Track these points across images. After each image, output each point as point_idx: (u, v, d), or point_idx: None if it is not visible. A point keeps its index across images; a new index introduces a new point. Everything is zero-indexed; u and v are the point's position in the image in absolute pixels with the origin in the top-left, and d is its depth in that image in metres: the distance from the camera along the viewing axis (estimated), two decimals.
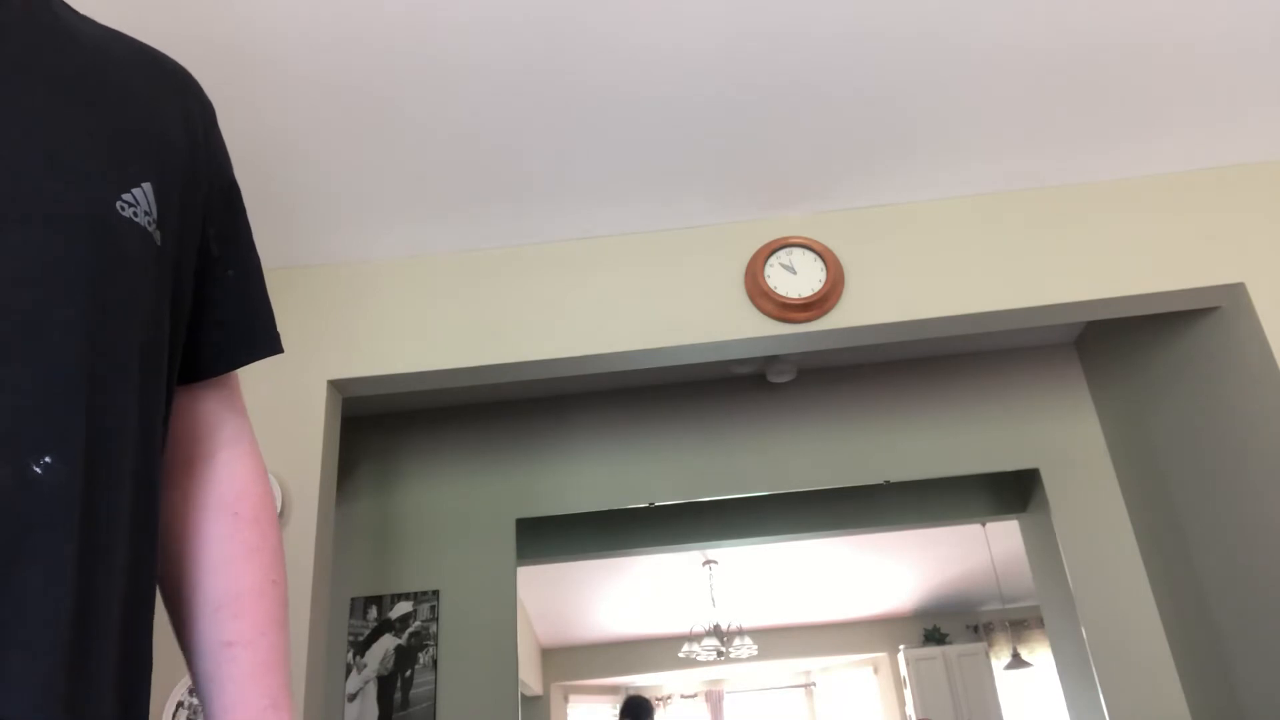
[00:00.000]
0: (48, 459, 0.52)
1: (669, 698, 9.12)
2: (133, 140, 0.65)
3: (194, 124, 0.73)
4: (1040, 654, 7.69)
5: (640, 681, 8.79)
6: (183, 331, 0.71)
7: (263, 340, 0.80)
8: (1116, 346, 3.19)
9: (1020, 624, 8.10)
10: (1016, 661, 6.76)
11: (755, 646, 7.37)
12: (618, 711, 5.12)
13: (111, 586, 0.56)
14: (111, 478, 0.57)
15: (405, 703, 3.19)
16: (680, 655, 7.63)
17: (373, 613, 3.34)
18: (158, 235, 0.64)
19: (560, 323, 2.46)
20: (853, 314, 2.41)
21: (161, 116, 0.69)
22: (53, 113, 0.61)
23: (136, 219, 0.62)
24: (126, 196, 0.62)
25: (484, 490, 3.52)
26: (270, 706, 0.67)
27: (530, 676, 7.54)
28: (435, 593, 3.34)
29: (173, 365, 0.69)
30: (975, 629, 8.22)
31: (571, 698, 8.57)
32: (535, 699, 8.10)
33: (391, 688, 3.22)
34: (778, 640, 8.46)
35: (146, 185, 0.64)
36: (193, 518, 0.73)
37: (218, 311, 0.76)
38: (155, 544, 0.63)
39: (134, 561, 0.59)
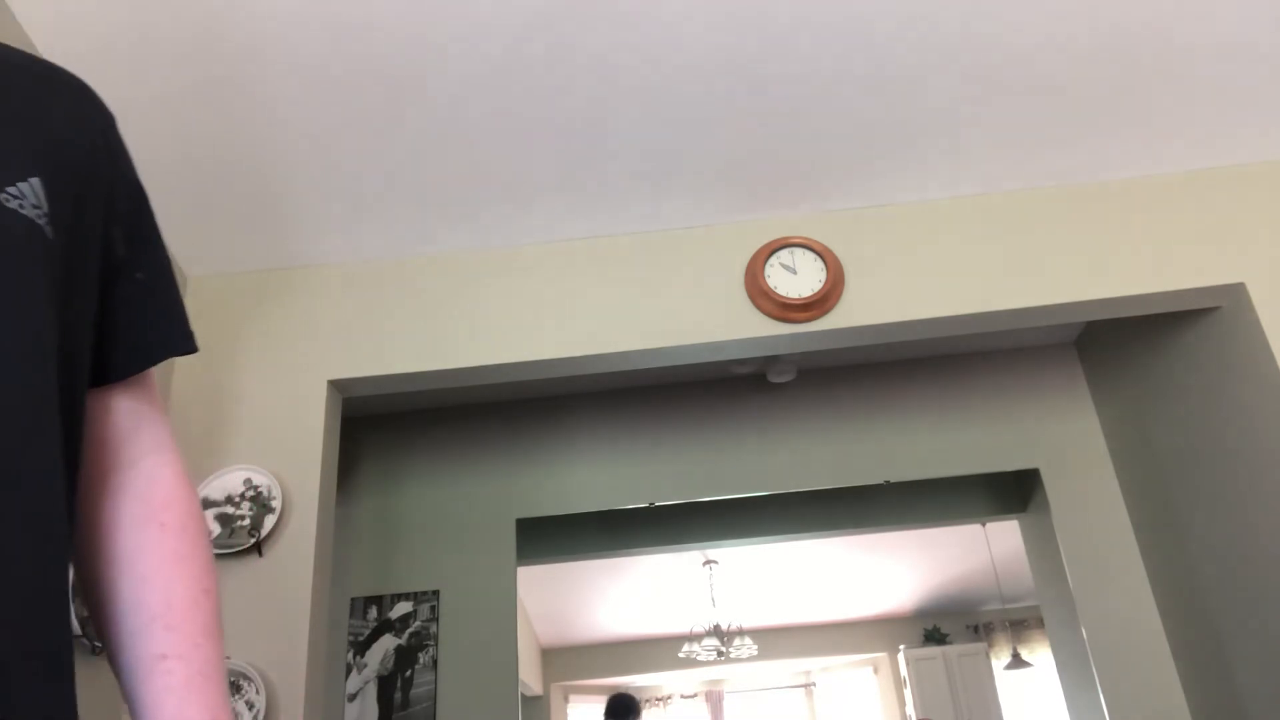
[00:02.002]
0: None
1: (669, 698, 9.12)
2: (19, 138, 0.66)
3: (90, 127, 0.74)
4: (1040, 654, 7.69)
5: (640, 681, 8.79)
6: (87, 331, 0.70)
7: (175, 338, 0.79)
8: (1116, 346, 3.19)
9: (1020, 624, 8.10)
10: (1016, 661, 6.76)
11: (755, 646, 7.37)
12: (603, 711, 5.09)
13: (11, 580, 0.55)
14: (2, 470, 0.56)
15: (405, 703, 3.19)
16: (680, 655, 7.63)
17: (373, 613, 3.34)
18: (49, 229, 0.65)
19: (560, 323, 2.46)
20: (853, 314, 2.41)
21: (52, 117, 0.70)
22: None
23: (23, 210, 0.62)
24: (12, 189, 0.62)
25: (484, 490, 3.52)
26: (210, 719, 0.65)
27: (530, 676, 7.54)
28: (435, 593, 3.34)
29: (74, 362, 0.68)
30: (975, 629, 8.22)
31: (571, 698, 8.57)
32: (535, 699, 8.10)
33: (391, 688, 3.22)
34: (778, 640, 8.46)
35: (35, 180, 0.64)
36: (117, 530, 0.71)
37: (128, 311, 0.75)
38: (65, 537, 0.61)
39: (38, 556, 0.58)
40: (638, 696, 9.02)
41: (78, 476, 0.69)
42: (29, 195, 0.63)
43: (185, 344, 0.80)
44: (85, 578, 0.72)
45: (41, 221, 0.64)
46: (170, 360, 2.41)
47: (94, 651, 1.95)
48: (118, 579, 0.69)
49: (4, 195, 0.62)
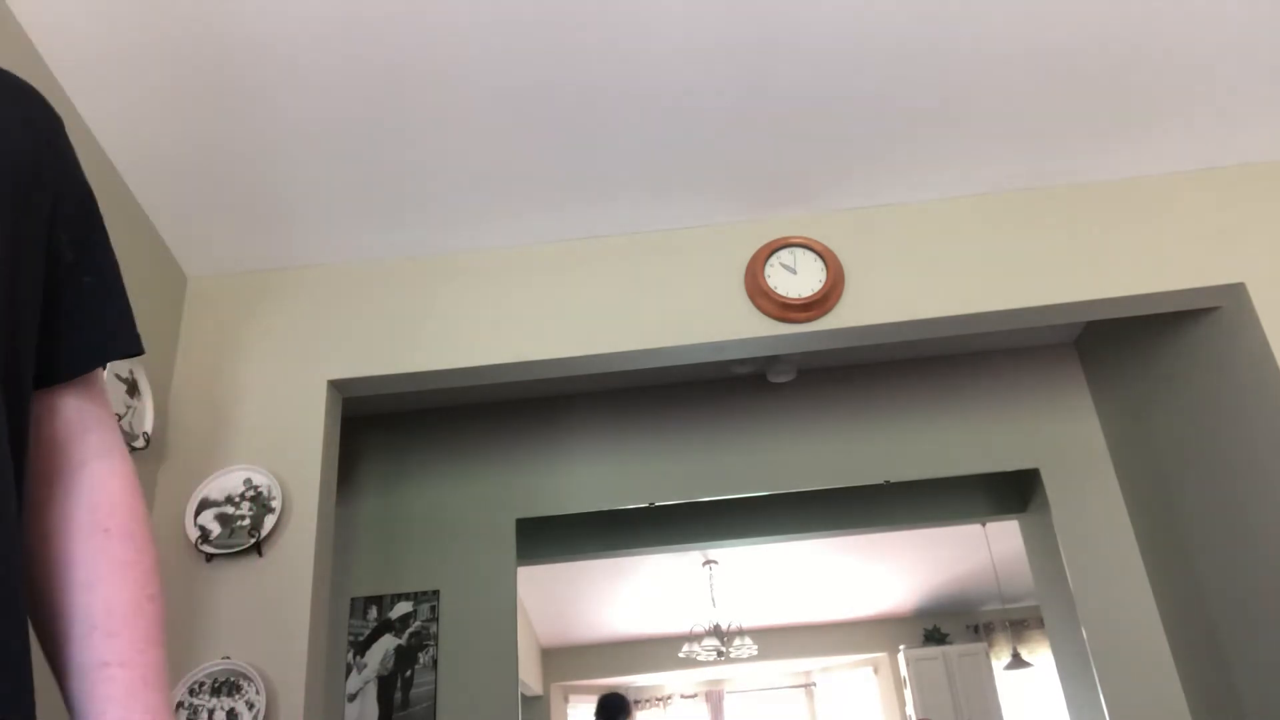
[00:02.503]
0: None
1: (669, 698, 9.12)
2: None
3: (36, 130, 0.74)
4: (1040, 654, 7.69)
5: (640, 681, 8.79)
6: (30, 332, 0.70)
7: (122, 340, 0.79)
8: (1116, 346, 3.19)
9: (1020, 624, 8.10)
10: (1016, 661, 6.76)
11: (755, 646, 7.37)
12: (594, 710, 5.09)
13: None
14: None
15: (405, 703, 3.19)
16: (680, 655, 7.63)
17: (373, 613, 3.34)
18: None
19: (560, 323, 2.46)
20: (853, 314, 2.41)
21: None
22: None
23: None
24: None
25: (484, 490, 3.52)
26: None
27: (530, 676, 7.54)
28: (435, 593, 3.34)
29: (18, 363, 0.67)
30: (975, 629, 8.22)
31: (571, 698, 8.57)
32: (535, 699, 8.10)
33: (391, 688, 3.22)
34: (778, 640, 8.46)
35: None
36: (61, 535, 0.71)
37: (76, 315, 0.75)
38: (14, 536, 0.61)
39: None
40: (636, 696, 9.03)
41: (23, 478, 0.68)
42: None
43: (132, 346, 0.80)
44: (27, 582, 0.71)
45: None
46: (169, 361, 2.41)
47: None
48: (60, 585, 0.69)
49: None
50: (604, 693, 5.20)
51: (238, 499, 2.23)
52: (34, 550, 0.71)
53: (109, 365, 1.86)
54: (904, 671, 7.94)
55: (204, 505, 2.22)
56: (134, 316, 0.82)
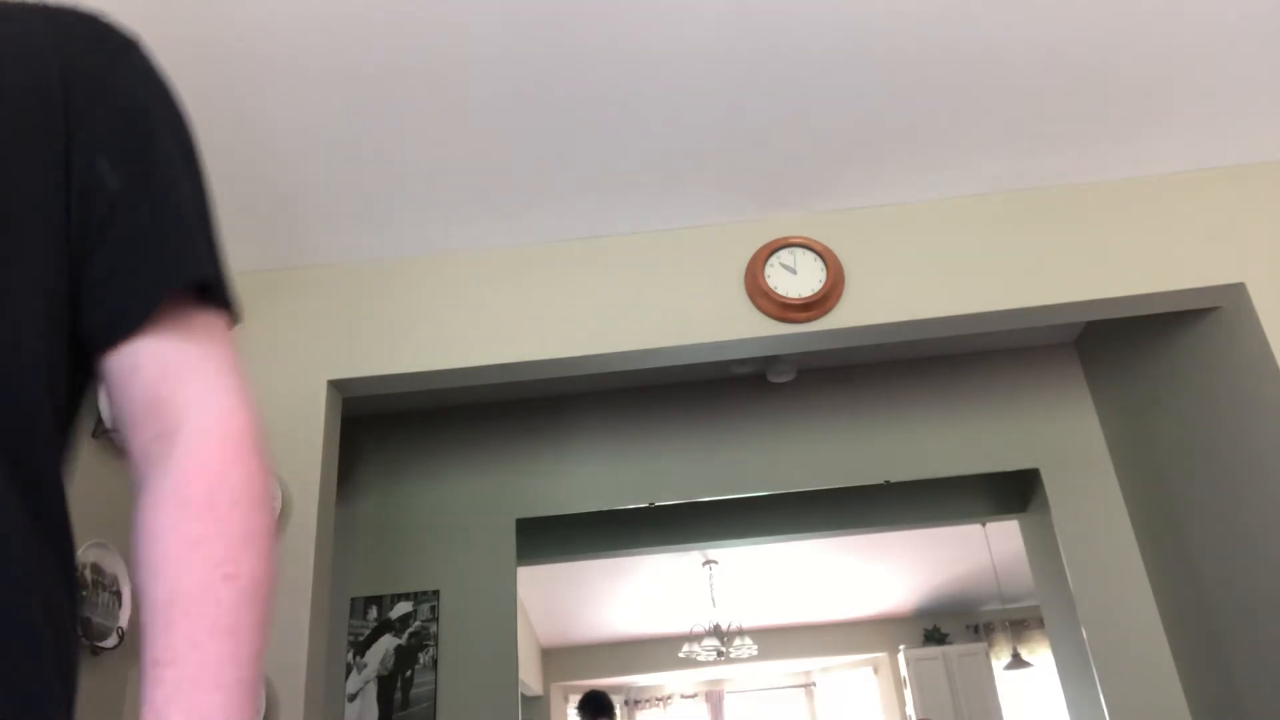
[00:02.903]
0: None
1: (669, 698, 9.12)
2: None
3: (47, 57, 0.66)
4: (1040, 654, 7.69)
5: (640, 681, 8.79)
6: (52, 271, 0.62)
7: (196, 262, 0.67)
8: (1116, 346, 3.19)
9: (1020, 624, 8.10)
10: (1016, 661, 6.76)
11: (755, 646, 7.37)
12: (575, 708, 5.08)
13: None
14: None
15: (405, 703, 3.19)
16: (680, 655, 7.63)
17: (373, 613, 3.34)
18: None
19: (560, 323, 2.46)
20: (853, 314, 2.41)
21: None
22: None
23: None
24: None
25: (484, 490, 3.52)
26: None
27: (530, 676, 7.54)
28: (435, 593, 3.34)
29: (27, 304, 0.60)
30: (975, 629, 8.22)
31: (571, 698, 8.56)
32: (535, 699, 8.10)
33: (391, 688, 3.22)
34: (778, 640, 8.46)
35: None
36: (146, 513, 0.61)
37: (131, 247, 0.65)
38: (17, 533, 0.55)
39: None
40: (637, 696, 9.03)
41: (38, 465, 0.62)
42: None
43: (205, 267, 0.68)
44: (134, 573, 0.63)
45: None
46: None
47: (93, 652, 1.95)
48: (135, 570, 0.61)
49: None
50: (587, 691, 5.18)
51: None
52: (134, 532, 0.63)
53: None
54: (904, 671, 7.94)
55: None
56: (209, 240, 0.69)
